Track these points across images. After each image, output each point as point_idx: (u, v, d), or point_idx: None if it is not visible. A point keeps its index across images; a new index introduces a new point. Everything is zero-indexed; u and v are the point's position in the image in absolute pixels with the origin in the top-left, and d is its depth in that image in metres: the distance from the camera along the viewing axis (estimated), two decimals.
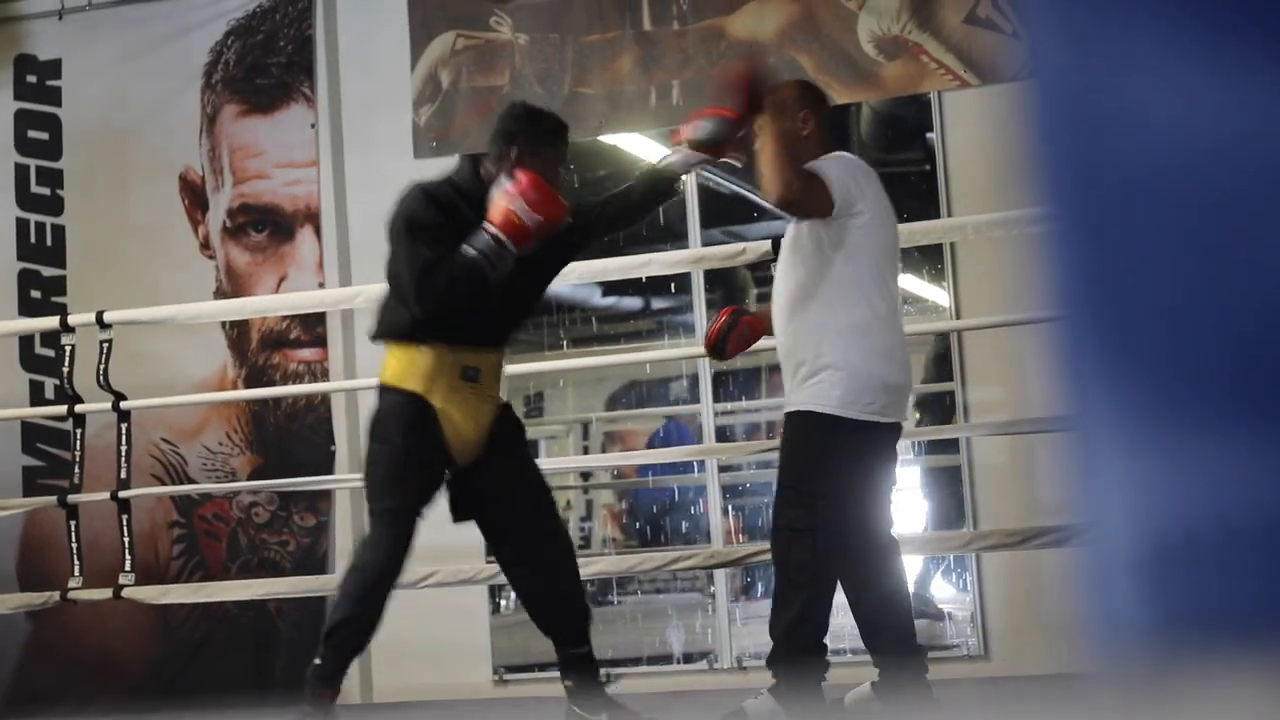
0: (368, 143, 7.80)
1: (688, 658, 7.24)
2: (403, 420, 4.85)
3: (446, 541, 7.34)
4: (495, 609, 7.59)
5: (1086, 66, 0.89)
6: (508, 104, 5.25)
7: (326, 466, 7.58)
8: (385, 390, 4.94)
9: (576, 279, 6.51)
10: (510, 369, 7.91)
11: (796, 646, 4.79)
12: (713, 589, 7.24)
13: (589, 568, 6.48)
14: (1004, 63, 6.94)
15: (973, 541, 6.13)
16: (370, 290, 6.65)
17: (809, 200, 4.74)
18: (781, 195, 4.72)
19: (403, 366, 4.89)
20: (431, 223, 4.75)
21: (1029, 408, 6.77)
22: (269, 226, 7.87)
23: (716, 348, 5.25)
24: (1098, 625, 0.88)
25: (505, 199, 4.64)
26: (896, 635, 4.84)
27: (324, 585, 7.00)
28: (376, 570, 4.92)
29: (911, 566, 7.63)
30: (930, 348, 7.35)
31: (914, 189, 7.38)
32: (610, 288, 8.15)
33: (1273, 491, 0.83)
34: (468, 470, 4.96)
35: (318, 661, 4.97)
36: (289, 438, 7.74)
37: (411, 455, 4.87)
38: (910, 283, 7.79)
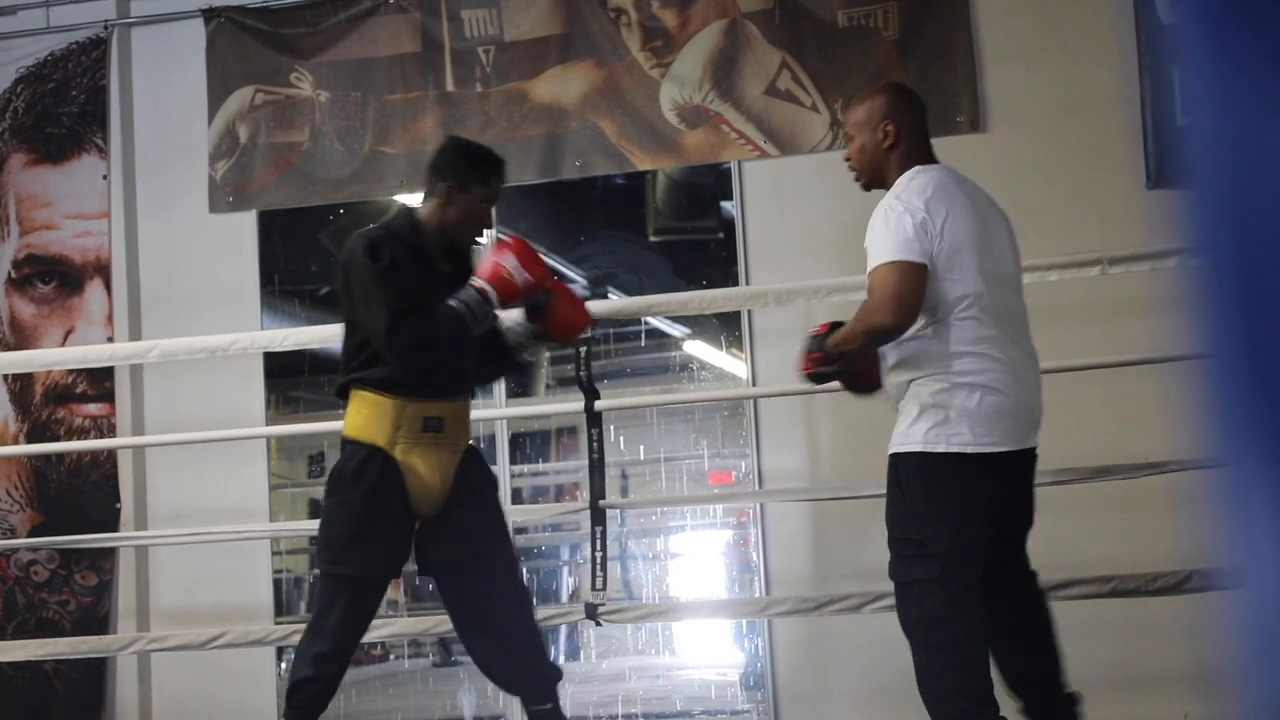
0: (162, 196, 7.68)
1: None
2: (363, 479, 4.68)
3: (236, 602, 7.25)
4: (282, 672, 7.47)
5: (1243, 113, 0.89)
6: (445, 138, 5.12)
7: (111, 524, 7.39)
8: (346, 443, 4.78)
9: None
10: (299, 428, 7.86)
11: None
12: None
13: (383, 630, 6.41)
14: (802, 134, 7.07)
15: (768, 606, 6.17)
16: (164, 345, 6.55)
17: (913, 300, 4.28)
18: (891, 326, 4.29)
19: (364, 419, 4.72)
20: (391, 268, 4.64)
21: (822, 476, 6.88)
22: (56, 278, 7.69)
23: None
24: (1249, 688, 0.86)
25: (496, 255, 4.65)
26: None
27: (106, 646, 6.83)
28: (336, 635, 4.70)
29: (706, 631, 7.70)
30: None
31: (713, 256, 7.47)
32: None
33: None
34: (433, 519, 4.80)
35: None
36: (72, 494, 7.53)
37: (371, 515, 4.69)
38: (702, 349, 7.87)
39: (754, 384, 6.99)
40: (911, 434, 4.35)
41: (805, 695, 6.85)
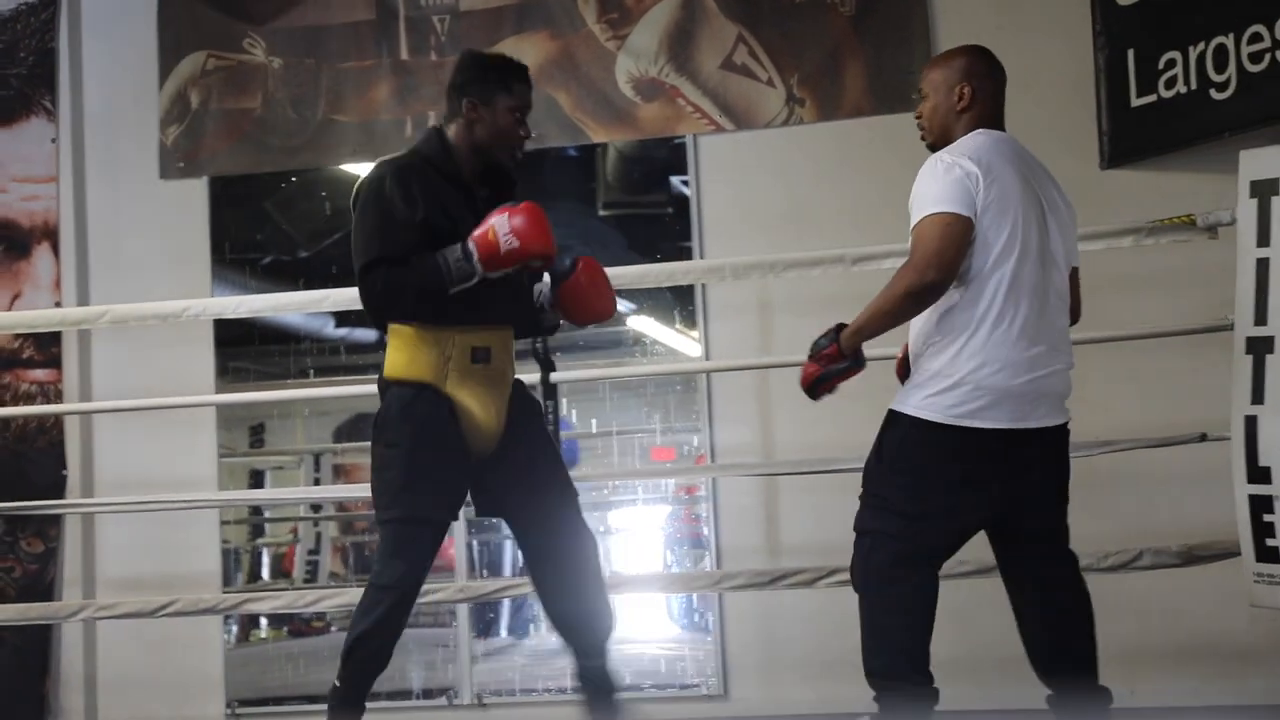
0: (111, 160, 7.60)
1: (427, 693, 7.17)
2: (412, 418, 4.48)
3: (182, 571, 7.21)
4: (238, 640, 7.45)
5: None
6: (460, 54, 4.86)
7: (57, 491, 7.33)
8: (389, 385, 4.54)
9: (330, 306, 6.42)
10: (249, 397, 7.80)
11: None
12: (454, 624, 7.18)
13: (336, 599, 6.39)
14: (758, 109, 7.06)
15: (721, 581, 6.18)
16: (116, 311, 6.49)
17: (955, 255, 4.25)
18: (934, 282, 4.23)
19: (406, 356, 4.53)
20: (389, 208, 4.45)
21: (775, 451, 6.89)
22: (3, 242, 7.61)
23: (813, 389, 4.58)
24: None
25: (493, 216, 4.44)
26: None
27: (55, 612, 6.78)
28: (395, 587, 4.48)
29: (655, 606, 7.71)
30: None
31: (666, 230, 7.45)
32: (342, 318, 8.04)
33: None
34: (489, 458, 4.59)
35: (337, 684, 4.52)
36: (18, 460, 7.46)
37: (424, 457, 4.47)
38: (647, 325, 7.86)
39: (708, 358, 7.00)
40: (909, 397, 4.34)
41: (754, 669, 6.87)
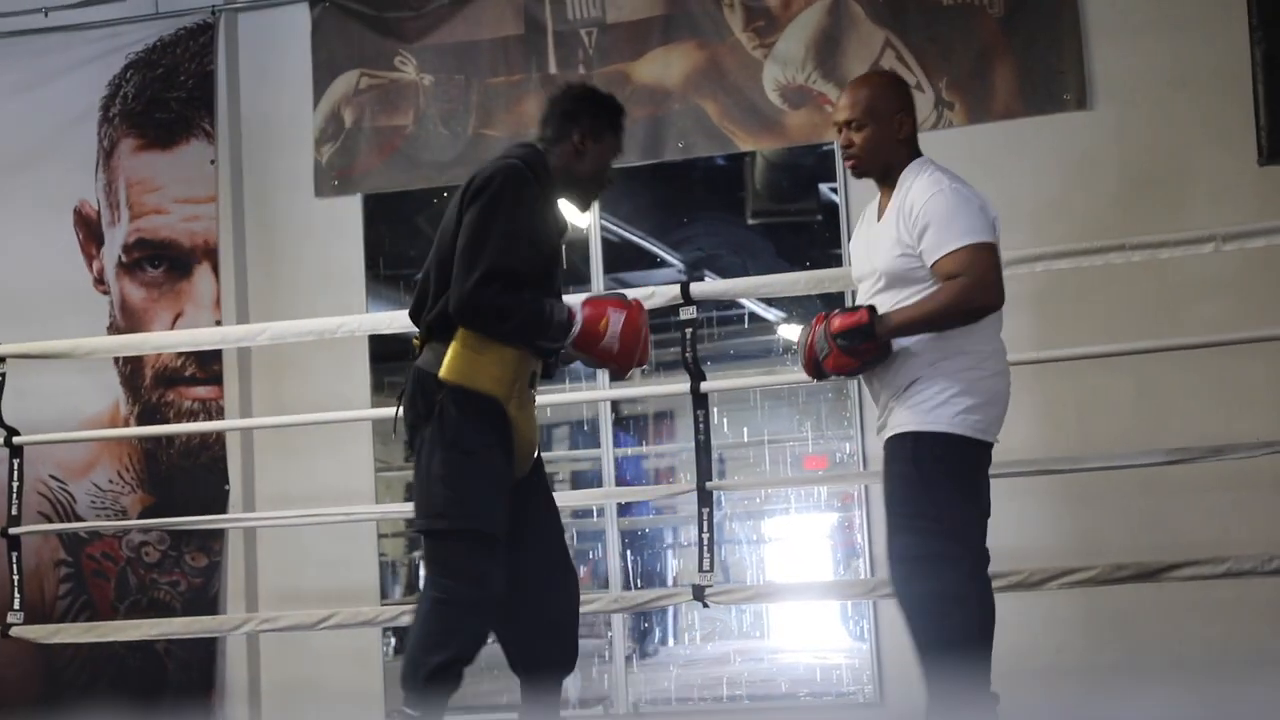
0: (268, 179, 7.74)
1: (584, 703, 7.20)
2: (490, 429, 4.34)
3: (341, 584, 7.30)
4: (397, 652, 7.52)
5: None
6: (563, 85, 4.83)
7: (220, 506, 7.48)
8: (458, 391, 4.33)
9: None
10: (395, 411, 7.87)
11: None
12: (610, 634, 7.20)
13: None
14: None
15: (876, 588, 6.15)
16: (274, 328, 6.60)
17: (1002, 287, 4.39)
18: (993, 306, 4.35)
19: (478, 365, 4.35)
20: (522, 221, 4.33)
21: None
22: (166, 262, 7.77)
23: (817, 366, 4.52)
24: None
25: (611, 311, 4.45)
26: None
27: (219, 626, 6.90)
28: (481, 604, 4.30)
29: (809, 614, 7.70)
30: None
31: (816, 238, 7.44)
32: None
33: None
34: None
35: (413, 713, 4.29)
36: (182, 476, 7.62)
37: (501, 472, 4.37)
38: (797, 334, 7.84)
39: None
40: (938, 415, 4.34)
41: (909, 676, 6.79)
